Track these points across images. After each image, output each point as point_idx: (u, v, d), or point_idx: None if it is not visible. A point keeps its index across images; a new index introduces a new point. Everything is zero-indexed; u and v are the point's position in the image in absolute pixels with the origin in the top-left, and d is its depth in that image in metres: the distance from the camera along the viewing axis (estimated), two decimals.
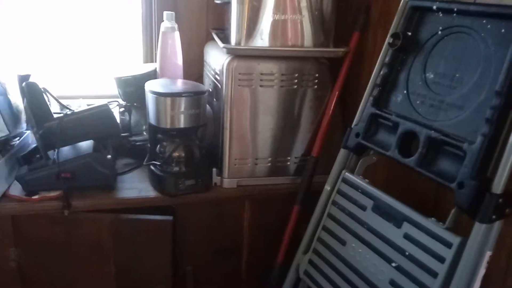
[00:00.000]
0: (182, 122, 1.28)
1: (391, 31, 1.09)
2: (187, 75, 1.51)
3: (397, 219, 0.97)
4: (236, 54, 1.28)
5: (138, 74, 1.48)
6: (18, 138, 1.39)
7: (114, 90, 1.57)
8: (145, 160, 1.38)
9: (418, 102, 1.01)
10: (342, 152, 1.16)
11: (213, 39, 1.51)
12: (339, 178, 1.14)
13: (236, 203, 1.40)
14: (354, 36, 1.33)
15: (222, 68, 1.28)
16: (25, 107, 1.19)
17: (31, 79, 1.25)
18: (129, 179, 1.39)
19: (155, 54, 1.68)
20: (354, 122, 1.13)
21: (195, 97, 1.28)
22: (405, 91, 1.04)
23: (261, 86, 1.29)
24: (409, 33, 1.05)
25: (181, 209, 1.34)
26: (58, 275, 1.32)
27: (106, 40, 1.76)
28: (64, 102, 1.51)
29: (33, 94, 1.16)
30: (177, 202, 1.32)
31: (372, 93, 1.09)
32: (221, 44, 1.30)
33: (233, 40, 1.29)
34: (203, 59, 1.61)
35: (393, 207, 0.98)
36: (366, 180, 1.08)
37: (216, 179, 1.37)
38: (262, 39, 1.27)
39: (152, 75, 1.49)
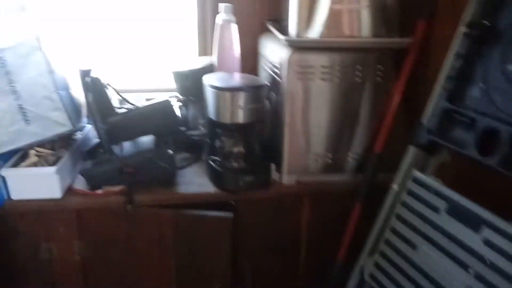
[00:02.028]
0: (242, 117, 1.26)
1: (465, 18, 1.02)
2: (241, 68, 1.48)
3: (475, 223, 0.91)
4: (298, 47, 1.24)
5: (195, 68, 1.47)
6: (80, 132, 1.42)
7: (170, 83, 1.56)
8: (204, 155, 1.37)
9: (497, 96, 0.93)
10: (411, 150, 1.10)
11: (268, 31, 1.48)
12: (408, 177, 1.09)
13: (295, 199, 1.37)
14: (419, 25, 1.26)
15: (283, 61, 1.25)
16: (89, 102, 1.20)
17: (92, 74, 1.26)
18: (188, 174, 1.39)
19: (211, 46, 1.67)
20: (425, 118, 1.07)
21: (255, 92, 1.25)
22: (482, 84, 0.97)
23: (322, 79, 1.25)
24: (486, 22, 0.97)
25: (240, 205, 1.32)
26: (119, 268, 1.34)
27: (162, 33, 1.76)
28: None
29: (97, 89, 1.17)
30: (236, 198, 1.30)
31: (445, 86, 1.02)
32: (281, 37, 1.26)
33: (292, 32, 1.26)
34: (257, 52, 1.58)
35: (471, 210, 0.92)
36: (439, 179, 1.02)
37: (275, 175, 1.34)
38: (323, 30, 1.22)
39: (209, 69, 1.48)
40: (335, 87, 1.27)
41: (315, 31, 1.23)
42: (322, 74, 1.24)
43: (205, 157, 1.35)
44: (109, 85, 1.23)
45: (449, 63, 1.03)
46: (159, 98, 1.28)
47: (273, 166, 1.33)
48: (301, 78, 1.24)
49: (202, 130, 1.51)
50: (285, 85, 1.26)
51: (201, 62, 1.52)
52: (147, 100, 1.52)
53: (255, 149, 1.32)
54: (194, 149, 1.50)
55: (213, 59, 1.48)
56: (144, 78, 1.77)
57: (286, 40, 1.24)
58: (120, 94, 1.27)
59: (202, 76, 1.36)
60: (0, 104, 1.21)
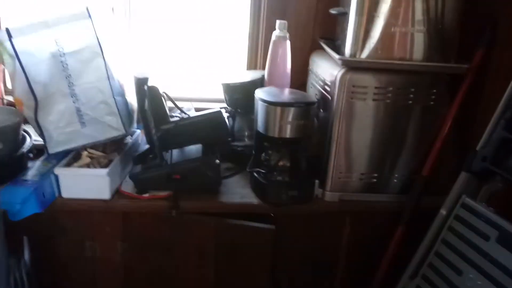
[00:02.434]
0: (289, 132, 1.27)
1: None
2: (291, 83, 1.50)
3: None
4: (352, 66, 1.25)
5: (246, 81, 1.50)
6: (130, 136, 1.46)
7: (218, 94, 1.59)
8: (248, 166, 1.38)
9: None
10: (463, 176, 1.09)
11: (320, 48, 1.49)
12: (458, 203, 1.07)
13: (337, 217, 1.37)
14: (478, 53, 1.25)
15: (335, 79, 1.26)
16: (144, 109, 1.23)
17: (149, 82, 1.31)
18: (231, 184, 1.40)
19: (260, 60, 1.70)
20: (480, 145, 1.06)
21: (305, 108, 1.26)
22: None
23: (374, 100, 1.25)
24: None
25: (281, 219, 1.33)
26: (158, 272, 1.37)
27: (213, 44, 1.80)
28: (171, 104, 1.56)
29: (154, 97, 1.21)
30: (278, 212, 1.31)
31: (504, 116, 1.01)
32: (335, 56, 1.27)
33: (347, 51, 1.27)
34: (308, 68, 1.60)
35: None
36: (491, 208, 1.00)
37: (318, 191, 1.34)
38: (379, 52, 1.23)
39: (259, 82, 1.50)
40: (385, 108, 1.27)
41: (368, 52, 1.24)
42: (374, 95, 1.24)
43: (249, 169, 1.36)
44: (165, 93, 1.26)
45: (509, 92, 1.01)
46: (210, 109, 1.30)
47: (317, 182, 1.34)
48: (354, 97, 1.24)
49: (247, 141, 1.53)
50: (335, 103, 1.26)
51: (251, 75, 1.55)
52: (196, 110, 1.56)
53: (300, 164, 1.33)
54: (238, 160, 1.51)
55: (263, 73, 1.50)
56: (194, 88, 1.81)
57: (340, 59, 1.25)
58: (176, 104, 1.30)
59: (251, 89, 1.38)
60: (59, 105, 1.26)
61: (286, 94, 1.36)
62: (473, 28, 1.26)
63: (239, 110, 1.56)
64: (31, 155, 1.37)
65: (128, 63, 1.49)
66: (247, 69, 1.74)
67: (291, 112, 1.25)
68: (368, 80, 1.23)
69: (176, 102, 1.44)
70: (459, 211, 1.06)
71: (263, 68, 1.52)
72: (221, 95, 1.58)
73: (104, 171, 1.22)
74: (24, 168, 1.29)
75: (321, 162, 1.35)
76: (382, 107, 1.26)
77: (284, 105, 1.25)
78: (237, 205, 1.30)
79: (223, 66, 1.82)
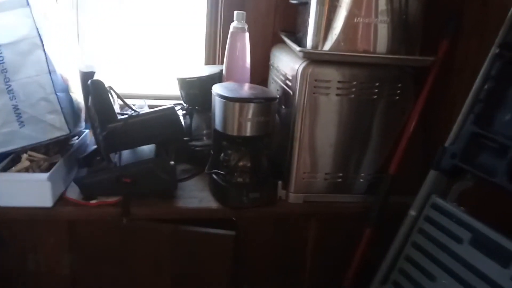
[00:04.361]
0: (249, 130, 1.18)
1: (498, 40, 0.96)
2: (250, 79, 1.41)
3: (503, 258, 0.84)
4: (313, 59, 1.17)
5: (203, 76, 1.40)
6: (77, 137, 1.34)
7: (175, 90, 1.49)
8: (207, 167, 1.29)
9: None
10: (432, 174, 1.03)
11: (281, 41, 1.42)
12: (427, 203, 1.01)
13: (302, 220, 1.29)
14: (442, 44, 1.20)
15: (296, 73, 1.18)
16: (88, 106, 1.12)
17: (95, 77, 1.19)
18: (189, 187, 1.31)
19: (219, 55, 1.60)
20: (449, 141, 1.00)
21: (265, 104, 1.18)
22: None
23: (337, 94, 1.18)
24: None
25: (243, 223, 1.24)
26: (111, 285, 1.25)
27: (169, 38, 1.70)
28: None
29: (98, 93, 1.10)
30: (239, 215, 1.23)
31: (473, 110, 0.96)
32: (296, 48, 1.19)
33: (309, 43, 1.19)
34: (269, 63, 1.52)
35: (499, 243, 0.85)
36: (462, 208, 0.95)
37: (281, 192, 1.26)
38: (342, 44, 1.16)
39: (218, 77, 1.41)
40: (350, 103, 1.20)
41: (331, 44, 1.17)
42: (337, 90, 1.17)
43: (208, 170, 1.27)
44: (111, 89, 1.15)
45: (478, 85, 0.96)
46: (163, 105, 1.20)
47: (280, 184, 1.26)
48: (315, 92, 1.17)
49: (206, 141, 1.43)
50: (296, 99, 1.19)
51: (209, 70, 1.46)
52: (151, 108, 1.45)
53: (261, 165, 1.24)
54: (197, 161, 1.42)
55: (222, 68, 1.41)
56: (149, 84, 1.70)
57: (301, 51, 1.17)
58: (124, 100, 1.19)
59: (209, 84, 1.29)
60: None
61: (246, 89, 1.28)
62: (437, 19, 1.21)
63: (196, 107, 1.46)
64: None
65: (75, 57, 1.37)
66: (205, 64, 1.65)
67: (250, 109, 1.16)
68: (331, 74, 1.16)
69: (128, 100, 1.33)
70: (429, 211, 1.00)
71: (222, 63, 1.44)
72: (177, 91, 1.48)
73: (44, 175, 1.10)
74: None
75: (283, 161, 1.27)
76: (346, 102, 1.19)
77: (243, 101, 1.16)
78: (195, 210, 1.20)
79: (180, 61, 1.72)
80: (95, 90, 1.09)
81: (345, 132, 1.22)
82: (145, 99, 1.57)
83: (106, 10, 1.65)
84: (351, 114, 1.21)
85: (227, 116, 1.18)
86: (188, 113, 1.45)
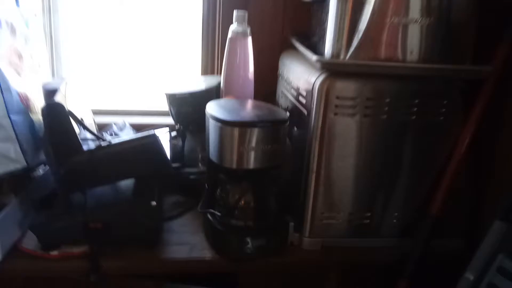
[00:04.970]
0: (253, 161, 0.93)
1: None
2: (255, 92, 1.16)
3: None
4: (334, 70, 0.92)
5: (196, 91, 1.15)
6: (37, 171, 1.09)
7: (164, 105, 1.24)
8: (200, 204, 1.04)
9: None
10: (498, 226, 0.77)
11: (292, 47, 1.17)
12: (492, 265, 0.75)
13: (319, 270, 1.04)
14: (501, 50, 0.94)
15: (312, 88, 0.93)
16: (42, 136, 0.87)
17: (57, 96, 0.94)
18: (178, 227, 1.06)
19: (218, 63, 1.35)
20: None
21: (273, 128, 0.93)
22: None
23: (365, 115, 0.92)
24: None
25: (246, 278, 0.99)
26: None
27: (158, 46, 1.45)
28: (103, 119, 1.21)
29: (56, 119, 0.85)
30: (241, 268, 0.97)
31: None
32: (312, 57, 0.94)
33: (328, 51, 0.94)
34: (277, 73, 1.27)
35: None
36: None
37: (293, 237, 1.01)
38: (371, 51, 0.90)
39: (214, 92, 1.16)
40: (381, 126, 0.94)
41: (357, 51, 0.91)
42: (366, 109, 0.92)
43: (201, 209, 1.02)
44: (72, 114, 0.90)
45: None
46: (149, 128, 0.96)
47: (291, 226, 1.00)
48: (336, 112, 0.91)
49: (201, 168, 1.18)
50: (312, 120, 0.93)
51: (205, 82, 1.21)
52: (135, 128, 1.21)
53: (268, 203, 0.99)
54: (189, 192, 1.17)
55: (220, 79, 1.16)
56: (136, 97, 1.46)
57: (319, 61, 0.92)
58: (87, 127, 0.94)
59: (204, 100, 1.04)
60: None
61: (248, 108, 1.02)
62: (494, 19, 0.95)
63: (190, 127, 1.21)
64: None
65: (42, 70, 1.12)
66: (202, 74, 1.40)
67: (254, 135, 0.91)
68: (358, 89, 0.90)
69: (109, 117, 1.09)
70: (495, 277, 0.74)
71: (219, 73, 1.19)
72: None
73: None
74: None
75: (296, 197, 1.01)
76: (376, 124, 0.94)
77: (244, 125, 0.91)
78: (183, 262, 0.95)
79: (173, 71, 1.47)
80: (51, 116, 0.84)
81: (375, 162, 0.96)
82: (131, 115, 1.33)
83: (86, 14, 1.40)
84: (382, 139, 0.95)
85: (224, 144, 0.93)
86: (180, 135, 1.20)
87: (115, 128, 1.19)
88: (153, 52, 1.44)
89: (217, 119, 0.92)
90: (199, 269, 0.96)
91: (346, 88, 0.90)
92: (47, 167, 1.08)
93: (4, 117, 0.92)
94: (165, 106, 1.22)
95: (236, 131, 0.90)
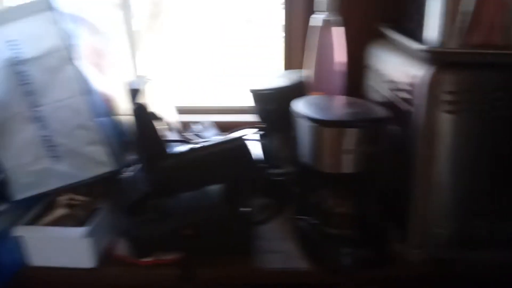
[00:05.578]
0: (351, 165, 0.84)
1: None
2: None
3: None
4: (445, 61, 0.81)
5: (282, 87, 1.08)
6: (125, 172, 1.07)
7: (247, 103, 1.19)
8: (291, 210, 0.97)
9: None
10: None
11: (381, 36, 1.06)
12: None
13: (426, 285, 0.93)
14: None
15: (419, 82, 0.82)
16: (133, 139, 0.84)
17: (139, 97, 0.90)
18: (266, 233, 0.99)
19: (301, 57, 1.27)
20: None
21: (374, 128, 0.84)
22: None
23: (489, 111, 0.80)
24: None
25: None
26: None
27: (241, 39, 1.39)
28: (186, 117, 1.17)
29: (142, 121, 0.81)
30: (339, 280, 0.89)
31: None
32: (417, 47, 0.84)
33: (433, 37, 0.82)
34: (363, 64, 1.16)
35: None
36: None
37: (397, 248, 0.91)
38: (493, 36, 0.78)
39: (300, 88, 1.08)
40: (499, 123, 0.81)
41: (472, 37, 0.79)
42: (484, 105, 0.80)
43: (292, 215, 0.95)
44: (156, 115, 0.87)
45: None
46: (235, 130, 0.90)
47: (393, 235, 0.91)
48: (450, 110, 0.80)
49: (287, 168, 1.11)
50: (419, 118, 0.83)
51: (291, 78, 1.13)
52: (219, 127, 1.16)
53: (368, 210, 0.90)
54: (275, 193, 1.11)
55: (305, 74, 1.08)
56: (218, 95, 1.41)
57: (428, 50, 0.81)
58: (174, 129, 0.90)
59: (290, 96, 0.97)
60: (21, 134, 0.90)
61: (342, 105, 0.94)
62: None
63: (275, 125, 1.14)
64: None
65: (122, 69, 1.10)
66: (286, 69, 1.32)
67: (353, 135, 0.82)
68: (479, 82, 0.79)
69: (193, 116, 1.05)
70: None
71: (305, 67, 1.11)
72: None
73: (80, 230, 0.84)
74: None
75: (397, 204, 0.91)
76: (493, 122, 0.81)
77: (341, 124, 0.83)
78: (279, 272, 0.89)
79: (255, 67, 1.41)
80: (140, 118, 0.80)
81: (494, 163, 0.84)
82: (213, 113, 1.29)
83: (165, 13, 1.37)
84: (502, 139, 0.83)
85: (317, 146, 0.85)
86: (266, 133, 1.14)
87: (199, 127, 1.14)
88: (234, 48, 1.39)
89: (310, 118, 0.84)
90: (294, 280, 0.90)
91: (460, 81, 0.79)
92: (132, 169, 1.06)
93: (90, 120, 0.91)
94: (247, 103, 1.16)
95: (331, 132, 0.82)
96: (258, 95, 1.11)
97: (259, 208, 1.08)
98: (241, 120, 1.26)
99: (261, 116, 1.15)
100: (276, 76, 1.19)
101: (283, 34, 1.29)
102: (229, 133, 0.94)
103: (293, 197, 1.00)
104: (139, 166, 1.02)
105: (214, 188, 0.93)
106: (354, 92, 1.12)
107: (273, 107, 1.11)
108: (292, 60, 1.29)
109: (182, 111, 1.22)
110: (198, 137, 1.09)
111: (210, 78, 1.42)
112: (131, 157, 1.01)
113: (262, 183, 1.12)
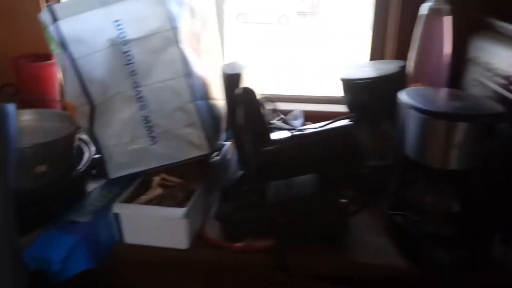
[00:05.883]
0: (459, 161, 0.80)
1: None
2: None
3: None
4: None
5: (379, 76, 1.04)
6: (217, 153, 1.07)
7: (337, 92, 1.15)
8: (385, 205, 0.94)
9: None
10: None
11: (488, 28, 1.00)
12: None
13: None
14: None
15: None
16: (236, 123, 0.83)
17: (241, 81, 0.89)
18: (356, 226, 0.96)
19: (391, 47, 1.23)
20: None
21: (488, 123, 0.79)
22: None
23: None
24: None
25: None
26: None
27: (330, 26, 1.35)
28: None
29: (249, 105, 0.80)
30: (436, 281, 0.85)
31: None
32: None
33: None
34: (465, 57, 1.10)
35: None
36: None
37: (499, 250, 0.86)
38: None
39: (397, 78, 1.04)
40: None
41: None
42: None
43: (386, 208, 0.92)
44: (267, 98, 0.85)
45: None
46: (335, 119, 0.88)
47: (498, 237, 0.86)
48: None
49: (377, 162, 1.08)
50: None
51: (380, 68, 1.09)
52: (309, 117, 1.14)
53: (474, 210, 0.85)
54: (363, 187, 1.08)
55: (401, 64, 1.04)
56: (303, 84, 1.39)
57: None
58: (281, 113, 0.89)
59: (382, 87, 0.95)
60: (121, 113, 0.91)
61: (450, 98, 0.89)
62: None
63: (365, 116, 1.10)
64: (94, 172, 1.03)
65: (215, 54, 1.10)
66: (371, 59, 1.28)
67: (466, 130, 0.78)
68: None
69: (280, 104, 1.04)
70: None
71: (393, 57, 1.07)
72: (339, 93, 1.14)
73: (179, 211, 0.85)
74: (81, 194, 0.95)
75: (504, 205, 0.86)
76: None
77: (457, 118, 0.78)
78: (372, 266, 0.86)
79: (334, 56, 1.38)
80: (246, 101, 0.79)
81: None
82: (301, 102, 1.26)
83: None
84: None
85: (426, 139, 0.81)
86: (356, 124, 1.10)
87: (289, 116, 1.13)
88: (317, 39, 1.36)
89: (422, 110, 0.80)
90: (386, 276, 0.87)
91: None
92: (224, 152, 1.05)
93: (189, 102, 0.91)
94: (331, 93, 1.13)
95: (443, 125, 0.78)
96: (351, 85, 1.08)
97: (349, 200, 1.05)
98: (328, 110, 1.23)
99: (350, 106, 1.12)
100: (365, 66, 1.15)
101: (372, 25, 1.25)
102: (327, 123, 0.91)
103: (380, 191, 0.97)
104: (230, 150, 1.02)
105: (307, 177, 0.91)
106: (454, 85, 1.07)
107: (365, 97, 1.08)
108: (378, 50, 1.25)
109: (270, 99, 1.21)
110: (286, 125, 1.06)
111: (297, 68, 1.39)
112: (221, 141, 1.01)
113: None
